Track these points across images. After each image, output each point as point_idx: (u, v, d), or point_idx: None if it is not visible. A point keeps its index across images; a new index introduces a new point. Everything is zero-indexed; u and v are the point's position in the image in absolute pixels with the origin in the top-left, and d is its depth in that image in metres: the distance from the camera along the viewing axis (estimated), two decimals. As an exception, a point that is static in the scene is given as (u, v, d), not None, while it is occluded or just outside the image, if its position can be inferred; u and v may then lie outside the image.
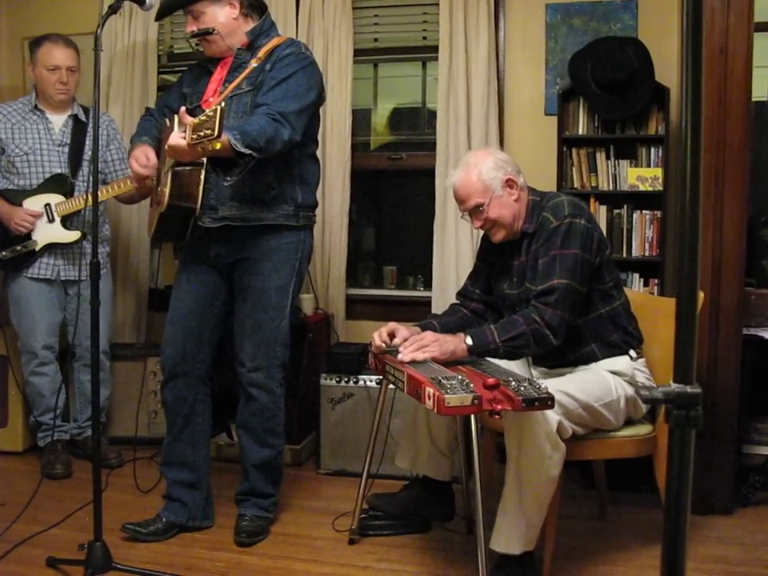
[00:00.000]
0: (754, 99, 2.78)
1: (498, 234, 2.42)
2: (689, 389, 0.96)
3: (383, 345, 2.39)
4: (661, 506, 2.30)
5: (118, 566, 2.21)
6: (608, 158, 3.27)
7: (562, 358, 2.40)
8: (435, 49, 3.48)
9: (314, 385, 3.30)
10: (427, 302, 3.53)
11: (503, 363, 2.36)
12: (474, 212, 2.40)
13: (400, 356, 2.25)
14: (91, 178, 2.30)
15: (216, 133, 2.07)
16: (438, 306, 3.36)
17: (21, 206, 3.12)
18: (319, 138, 2.76)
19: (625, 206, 3.26)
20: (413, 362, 2.21)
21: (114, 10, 2.28)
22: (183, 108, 2.26)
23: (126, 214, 3.76)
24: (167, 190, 2.37)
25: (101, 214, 3.24)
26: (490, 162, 2.38)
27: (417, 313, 3.38)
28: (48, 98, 3.19)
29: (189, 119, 2.16)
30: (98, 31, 2.17)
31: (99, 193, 2.55)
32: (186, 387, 2.63)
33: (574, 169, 3.30)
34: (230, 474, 3.03)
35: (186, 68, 2.85)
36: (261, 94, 2.46)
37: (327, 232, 3.61)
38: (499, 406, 1.97)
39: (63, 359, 3.27)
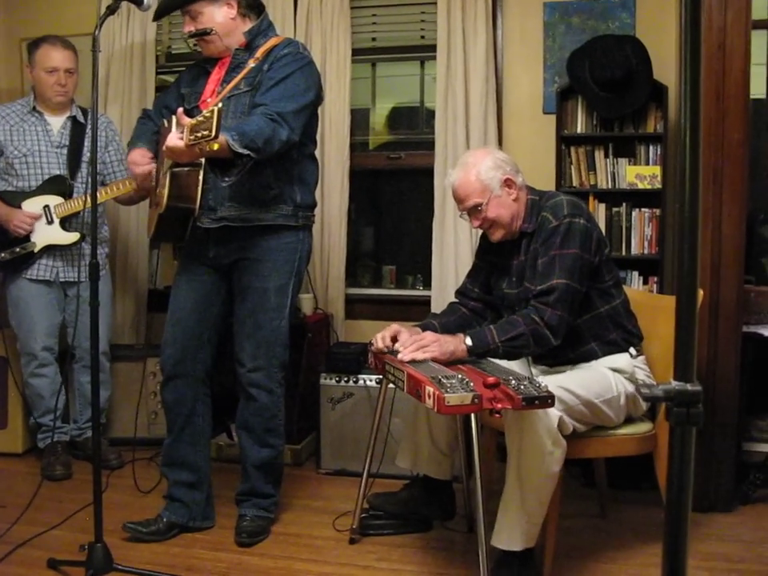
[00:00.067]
0: (751, 97, 2.78)
1: (496, 233, 2.42)
2: (689, 386, 0.96)
3: (385, 348, 2.39)
4: (661, 504, 2.29)
5: (119, 566, 2.21)
6: (606, 156, 3.27)
7: (562, 356, 2.40)
8: (433, 48, 3.47)
9: (313, 385, 3.30)
10: (426, 302, 3.53)
11: (503, 362, 2.36)
12: (473, 212, 2.40)
13: (400, 356, 2.25)
14: (90, 180, 2.30)
15: (213, 134, 2.07)
16: (438, 305, 3.36)
17: (20, 207, 3.11)
18: (318, 137, 2.76)
19: (624, 204, 3.26)
20: (413, 362, 2.22)
21: (111, 10, 2.28)
22: (180, 109, 2.26)
23: (125, 215, 3.76)
24: (166, 192, 2.36)
25: (100, 216, 3.25)
26: (489, 161, 2.37)
27: (416, 312, 3.38)
28: (46, 99, 3.19)
29: (186, 120, 2.15)
30: (96, 32, 2.17)
31: (98, 194, 2.55)
32: (186, 388, 2.63)
33: (572, 167, 3.30)
34: (230, 474, 3.02)
35: (184, 68, 2.85)
36: (259, 94, 2.45)
37: (326, 232, 3.61)
38: (499, 405, 1.97)
39: (63, 361, 3.26)
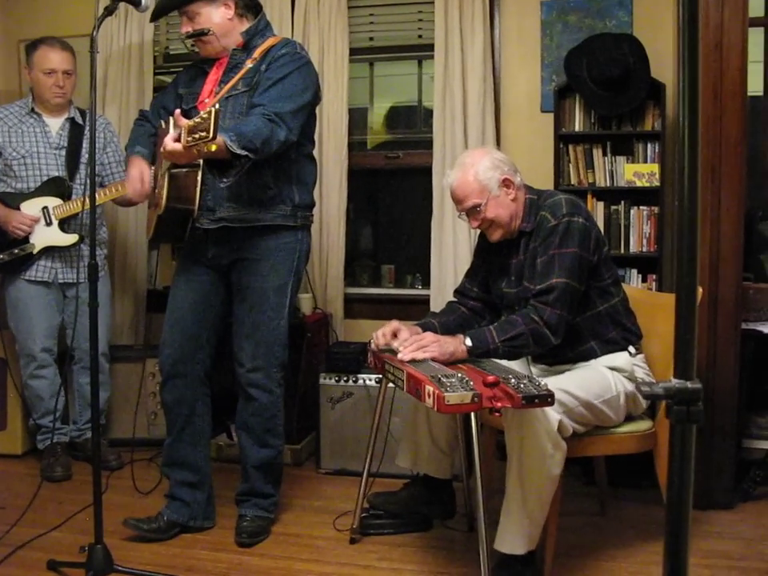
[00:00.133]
0: (749, 94, 2.78)
1: (495, 233, 2.42)
2: (689, 384, 0.96)
3: (385, 345, 2.39)
4: (661, 502, 2.29)
5: (119, 567, 2.21)
6: (605, 154, 3.27)
7: (561, 355, 2.40)
8: (431, 47, 3.47)
9: (313, 384, 3.30)
10: (425, 301, 3.53)
11: (503, 361, 2.36)
12: (472, 212, 2.39)
13: (400, 355, 2.25)
14: (88, 181, 2.30)
15: (211, 135, 2.07)
16: (437, 305, 3.36)
17: (18, 209, 3.11)
18: (316, 137, 2.76)
19: (622, 202, 3.26)
20: (412, 361, 2.22)
21: (109, 11, 2.28)
22: (178, 110, 2.26)
23: (124, 216, 3.75)
24: (164, 193, 2.37)
25: (98, 217, 3.24)
26: (487, 161, 2.37)
27: (415, 311, 3.38)
28: (45, 101, 3.19)
29: (183, 121, 2.15)
30: (94, 33, 2.17)
31: (96, 195, 2.54)
32: (185, 388, 2.63)
33: (570, 165, 3.30)
34: (229, 474, 3.02)
35: (181, 69, 2.84)
36: (256, 94, 2.45)
37: (325, 231, 3.61)
38: (499, 404, 1.97)
39: (62, 362, 3.26)
